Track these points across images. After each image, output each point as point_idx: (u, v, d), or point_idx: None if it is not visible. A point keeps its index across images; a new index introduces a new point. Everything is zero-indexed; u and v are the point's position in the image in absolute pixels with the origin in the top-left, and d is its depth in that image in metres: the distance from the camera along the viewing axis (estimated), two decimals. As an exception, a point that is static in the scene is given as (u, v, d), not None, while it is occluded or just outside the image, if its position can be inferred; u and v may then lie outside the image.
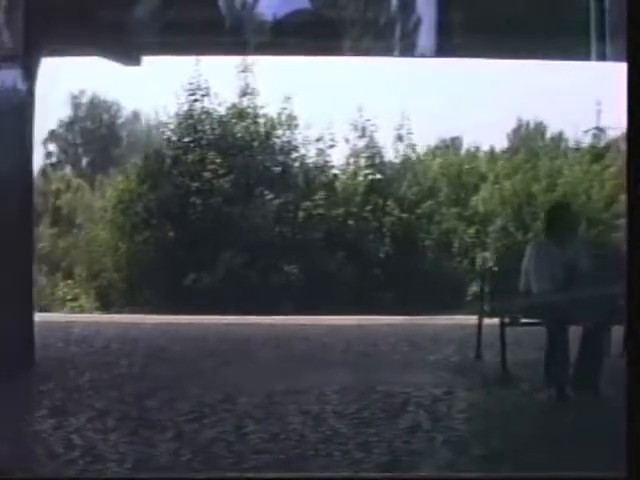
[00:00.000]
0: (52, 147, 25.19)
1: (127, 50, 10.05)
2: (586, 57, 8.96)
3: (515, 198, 16.96)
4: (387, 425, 6.56)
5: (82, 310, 16.93)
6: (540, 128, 21.68)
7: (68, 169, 24.18)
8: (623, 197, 17.59)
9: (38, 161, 23.15)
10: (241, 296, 15.26)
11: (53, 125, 24.79)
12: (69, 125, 25.12)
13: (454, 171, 17.98)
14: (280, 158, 16.72)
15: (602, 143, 20.23)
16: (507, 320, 8.16)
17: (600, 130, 21.49)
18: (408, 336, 10.90)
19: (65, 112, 24.79)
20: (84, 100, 25.07)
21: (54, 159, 25.05)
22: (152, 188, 16.06)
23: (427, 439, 6.17)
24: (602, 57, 8.90)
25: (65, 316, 14.48)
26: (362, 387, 7.72)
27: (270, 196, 15.97)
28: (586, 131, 21.55)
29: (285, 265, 15.74)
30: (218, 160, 16.13)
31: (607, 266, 9.11)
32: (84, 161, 25.20)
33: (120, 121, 25.35)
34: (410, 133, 17.19)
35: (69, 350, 9.67)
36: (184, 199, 15.95)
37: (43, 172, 21.84)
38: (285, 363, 9.14)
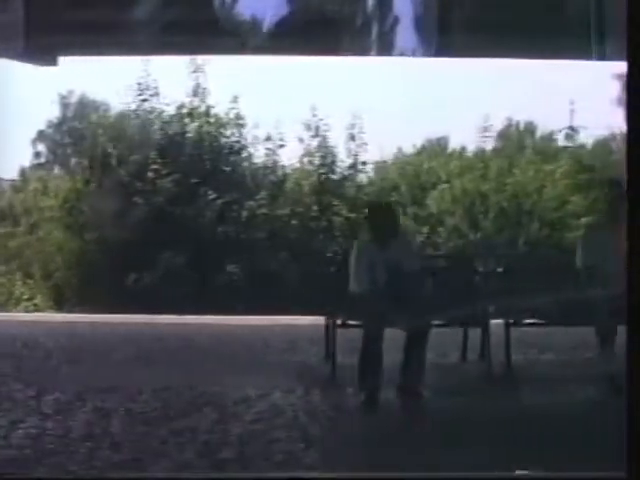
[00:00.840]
0: (41, 147, 25.44)
1: (42, 50, 10.18)
2: (567, 56, 8.97)
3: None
4: (167, 425, 6.59)
5: (37, 309, 17.16)
6: (514, 127, 21.58)
7: (56, 169, 24.41)
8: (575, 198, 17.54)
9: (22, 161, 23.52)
10: (181, 296, 15.38)
11: (42, 125, 25.08)
12: (57, 125, 25.33)
13: (411, 171, 17.93)
14: (229, 158, 16.80)
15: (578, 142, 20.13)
16: (339, 322, 8.16)
17: (573, 130, 21.32)
18: (296, 337, 10.89)
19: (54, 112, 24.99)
20: (72, 100, 25.27)
21: (42, 159, 25.30)
22: (98, 188, 16.23)
23: (192, 440, 6.17)
24: (585, 56, 8.90)
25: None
26: (183, 387, 7.77)
27: (213, 196, 16.04)
28: (560, 130, 21.43)
29: (228, 265, 15.84)
30: (164, 160, 16.24)
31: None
32: (72, 161, 25.35)
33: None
34: (362, 132, 17.19)
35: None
36: (129, 199, 16.07)
37: (22, 172, 22.14)
38: (133, 362, 9.25)
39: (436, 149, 19.09)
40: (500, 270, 8.74)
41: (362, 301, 7.54)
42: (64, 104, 25.12)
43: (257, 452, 5.97)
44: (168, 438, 6.22)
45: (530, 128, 23.58)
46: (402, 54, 9.75)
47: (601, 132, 21.03)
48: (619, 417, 7.51)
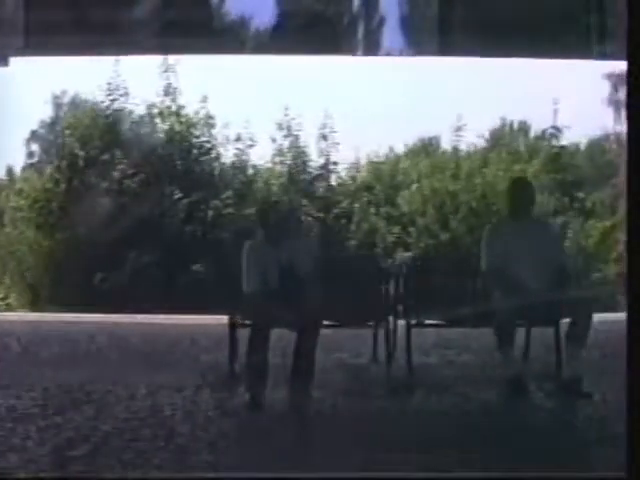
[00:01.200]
0: (34, 147, 25.54)
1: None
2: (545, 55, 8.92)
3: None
4: (36, 422, 6.62)
5: (9, 309, 17.32)
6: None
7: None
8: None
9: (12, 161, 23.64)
10: (147, 295, 15.45)
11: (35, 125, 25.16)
12: (51, 125, 25.42)
13: (386, 171, 17.93)
14: (198, 158, 16.89)
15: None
16: (238, 321, 8.16)
17: (557, 129, 21.17)
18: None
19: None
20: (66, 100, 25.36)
21: (35, 159, 25.40)
22: (67, 188, 16.38)
23: (53, 437, 6.21)
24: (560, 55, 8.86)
25: None
26: (78, 384, 7.86)
27: (180, 195, 16.14)
28: (544, 131, 21.30)
29: (193, 264, 15.91)
30: (133, 160, 16.34)
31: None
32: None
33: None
34: (333, 132, 17.24)
35: None
36: (97, 199, 16.19)
37: (9, 172, 22.26)
38: (50, 361, 9.33)
39: (413, 149, 19.05)
40: (405, 270, 8.70)
41: (251, 301, 7.55)
42: (57, 104, 25.21)
43: (110, 450, 6.00)
44: (30, 434, 6.27)
45: (524, 128, 23.47)
46: (389, 54, 9.74)
47: (590, 132, 20.90)
48: (513, 418, 7.46)
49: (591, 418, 7.13)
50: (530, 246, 7.73)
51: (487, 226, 8.25)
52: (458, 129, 17.79)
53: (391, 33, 8.86)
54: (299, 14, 8.90)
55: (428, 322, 8.19)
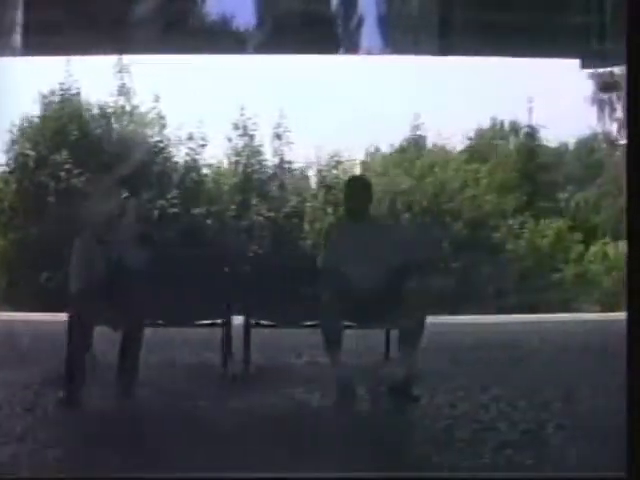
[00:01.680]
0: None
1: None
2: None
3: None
4: None
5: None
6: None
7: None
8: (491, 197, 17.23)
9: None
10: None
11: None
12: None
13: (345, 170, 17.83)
14: (151, 157, 16.91)
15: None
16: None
17: (532, 128, 20.95)
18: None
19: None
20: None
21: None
22: (17, 188, 16.50)
23: None
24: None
25: None
26: None
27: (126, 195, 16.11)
28: (519, 129, 21.14)
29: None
30: (82, 160, 16.40)
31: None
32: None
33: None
34: (288, 131, 17.19)
35: None
36: (45, 199, 16.29)
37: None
38: None
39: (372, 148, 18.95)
40: (248, 269, 8.61)
41: (73, 299, 7.52)
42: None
43: None
44: None
45: (515, 127, 23.28)
46: (369, 52, 9.71)
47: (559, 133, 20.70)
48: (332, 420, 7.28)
49: (415, 420, 7.06)
50: (364, 248, 7.56)
51: (328, 226, 8.12)
52: (416, 128, 17.66)
53: (370, 32, 8.82)
54: (280, 13, 8.89)
55: (266, 323, 8.08)
